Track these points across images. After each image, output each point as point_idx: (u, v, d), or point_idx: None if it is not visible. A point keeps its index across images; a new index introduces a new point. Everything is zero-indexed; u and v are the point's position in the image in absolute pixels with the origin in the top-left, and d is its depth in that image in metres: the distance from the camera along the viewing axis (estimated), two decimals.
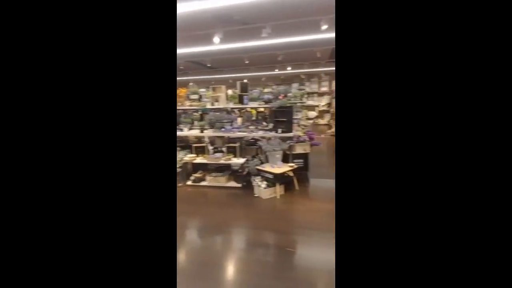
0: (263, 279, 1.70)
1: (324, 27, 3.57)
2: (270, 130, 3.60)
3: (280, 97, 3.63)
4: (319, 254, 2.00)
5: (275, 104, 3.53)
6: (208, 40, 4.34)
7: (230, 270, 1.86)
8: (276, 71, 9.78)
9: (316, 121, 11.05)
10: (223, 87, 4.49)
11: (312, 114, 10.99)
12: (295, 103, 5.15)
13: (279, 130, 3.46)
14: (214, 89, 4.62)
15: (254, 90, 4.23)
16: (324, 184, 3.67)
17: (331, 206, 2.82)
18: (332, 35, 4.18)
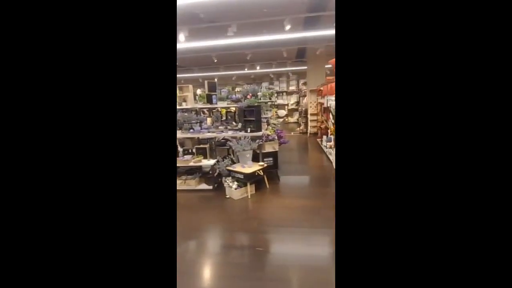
0: (237, 281, 1.70)
1: (288, 27, 3.66)
2: (240, 129, 3.59)
3: (248, 97, 3.64)
4: (290, 250, 2.05)
5: (244, 103, 3.53)
6: None
7: (203, 275, 1.82)
8: (246, 70, 9.80)
9: (286, 119, 11.34)
10: (190, 86, 4.37)
11: (282, 112, 11.25)
12: (265, 102, 5.21)
13: (248, 130, 3.47)
14: (181, 89, 4.47)
15: (223, 90, 4.19)
16: (293, 181, 3.78)
17: (300, 202, 2.91)
18: (295, 35, 4.31)
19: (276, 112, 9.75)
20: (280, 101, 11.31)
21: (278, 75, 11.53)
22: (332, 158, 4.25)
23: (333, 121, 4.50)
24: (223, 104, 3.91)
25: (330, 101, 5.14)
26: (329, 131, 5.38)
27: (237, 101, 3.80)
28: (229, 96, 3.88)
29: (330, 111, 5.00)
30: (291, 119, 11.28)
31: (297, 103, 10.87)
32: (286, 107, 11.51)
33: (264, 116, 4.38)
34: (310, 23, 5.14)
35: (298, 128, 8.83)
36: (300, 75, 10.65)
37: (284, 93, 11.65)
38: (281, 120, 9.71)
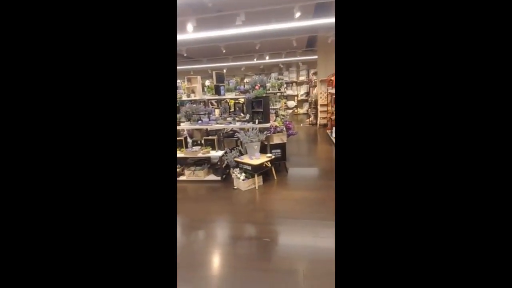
0: (243, 271, 1.73)
1: (297, 14, 3.55)
2: (247, 121, 3.58)
3: (256, 87, 3.60)
4: (296, 242, 2.06)
5: (251, 94, 3.50)
6: (181, 28, 4.14)
7: (210, 265, 1.86)
8: (255, 61, 9.66)
9: (296, 110, 11.19)
10: (199, 77, 4.36)
11: (292, 103, 11.10)
12: (274, 93, 5.13)
13: (256, 121, 3.45)
14: (189, 80, 4.47)
15: (230, 80, 4.15)
16: (301, 172, 3.76)
17: (308, 194, 2.90)
18: (305, 23, 4.17)
19: (285, 103, 9.62)
20: (289, 92, 11.14)
21: (288, 65, 11.30)
22: None
23: None
24: (231, 95, 3.89)
25: None
26: None
27: (245, 92, 3.77)
28: (237, 87, 3.85)
29: None
30: (300, 110, 11.12)
31: (307, 93, 10.68)
32: (295, 98, 11.33)
33: (272, 107, 4.34)
34: (321, 10, 4.95)
35: (308, 120, 8.70)
36: (310, 65, 10.40)
37: (294, 84, 11.45)
38: (290, 111, 9.59)
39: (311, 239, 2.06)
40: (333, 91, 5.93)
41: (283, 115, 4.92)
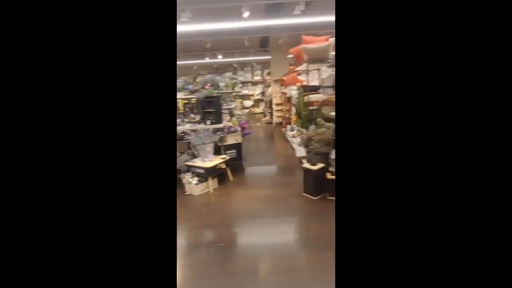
0: (203, 279, 1.60)
1: (246, 14, 3.52)
2: (198, 122, 3.41)
3: (206, 87, 3.44)
4: (255, 241, 2.02)
5: (201, 94, 3.34)
6: None
7: None
8: (207, 60, 9.40)
9: (252, 110, 11.28)
10: None
11: (248, 103, 11.14)
12: (229, 92, 5.01)
13: (208, 122, 3.31)
14: None
15: (178, 80, 3.90)
16: (258, 171, 3.75)
17: (265, 192, 2.89)
18: (254, 23, 4.18)
19: (241, 102, 9.59)
20: (245, 92, 11.16)
21: (242, 65, 11.31)
22: (295, 146, 4.32)
23: (294, 111, 4.55)
24: (180, 95, 3.65)
25: (292, 91, 5.19)
26: (291, 120, 5.46)
27: (194, 91, 3.58)
28: (185, 87, 3.64)
29: (291, 101, 5.04)
30: (257, 110, 11.25)
31: (263, 93, 10.85)
32: (251, 97, 11.41)
33: (227, 107, 4.23)
34: (271, 11, 5.03)
35: (264, 119, 8.84)
36: (265, 65, 10.59)
37: (250, 83, 11.52)
38: (247, 110, 9.61)
39: (270, 237, 2.04)
40: (286, 90, 6.12)
41: (239, 115, 4.85)
